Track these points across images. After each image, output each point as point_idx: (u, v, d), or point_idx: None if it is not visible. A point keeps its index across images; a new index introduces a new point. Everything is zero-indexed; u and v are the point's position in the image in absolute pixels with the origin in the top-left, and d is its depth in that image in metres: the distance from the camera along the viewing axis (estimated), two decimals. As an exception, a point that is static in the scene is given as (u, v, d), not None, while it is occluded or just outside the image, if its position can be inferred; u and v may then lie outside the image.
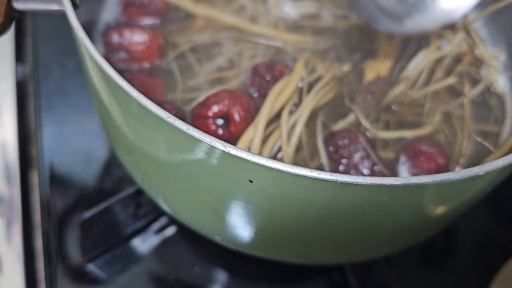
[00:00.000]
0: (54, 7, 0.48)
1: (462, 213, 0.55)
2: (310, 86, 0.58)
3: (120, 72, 0.55)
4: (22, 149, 0.72)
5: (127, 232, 0.62)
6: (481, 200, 0.52)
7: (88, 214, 0.58)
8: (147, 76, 0.56)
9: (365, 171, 0.52)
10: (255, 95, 0.56)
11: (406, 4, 0.59)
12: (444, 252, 0.66)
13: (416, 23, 0.59)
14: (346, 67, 0.60)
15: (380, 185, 0.36)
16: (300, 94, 0.57)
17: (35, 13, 0.63)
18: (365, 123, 0.56)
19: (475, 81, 0.63)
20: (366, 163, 0.52)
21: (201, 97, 0.55)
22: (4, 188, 0.68)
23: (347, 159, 0.52)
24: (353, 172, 0.52)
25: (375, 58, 0.63)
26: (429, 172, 0.53)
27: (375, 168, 0.52)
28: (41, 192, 0.66)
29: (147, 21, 0.61)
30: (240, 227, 0.47)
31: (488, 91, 0.63)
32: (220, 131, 0.53)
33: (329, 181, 0.36)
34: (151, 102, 0.38)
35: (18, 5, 0.48)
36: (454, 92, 0.62)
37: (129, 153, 0.51)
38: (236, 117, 0.52)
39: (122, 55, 0.57)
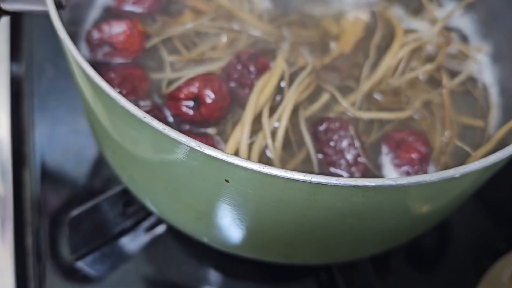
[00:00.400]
0: (40, 7, 0.48)
1: (447, 214, 0.55)
2: (291, 79, 0.58)
3: (107, 66, 0.57)
4: (15, 148, 0.73)
5: (116, 230, 0.63)
6: (470, 200, 0.52)
7: (75, 212, 0.59)
8: (133, 68, 0.56)
9: (349, 157, 0.52)
10: (233, 83, 0.57)
11: None
12: (434, 253, 0.66)
13: None
14: (326, 60, 0.61)
15: (354, 186, 0.37)
16: (281, 88, 0.57)
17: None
18: (343, 102, 0.57)
19: (456, 73, 0.63)
20: (352, 151, 0.53)
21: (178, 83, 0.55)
22: None
23: (335, 143, 0.53)
24: (337, 157, 0.52)
25: (340, 39, 0.64)
26: (412, 162, 0.53)
27: (359, 159, 0.52)
28: (32, 190, 0.67)
29: (135, 9, 0.62)
30: (223, 228, 0.48)
31: (472, 82, 0.63)
32: (191, 112, 0.53)
33: (303, 181, 0.36)
34: (128, 102, 0.38)
35: (5, 6, 0.49)
36: (435, 83, 0.62)
37: (114, 153, 0.52)
38: (207, 99, 0.53)
39: (106, 49, 0.57)
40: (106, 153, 0.57)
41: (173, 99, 0.54)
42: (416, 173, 0.53)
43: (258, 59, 0.57)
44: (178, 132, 0.37)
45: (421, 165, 0.53)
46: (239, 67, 0.57)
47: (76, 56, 0.40)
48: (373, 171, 0.53)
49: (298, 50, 0.61)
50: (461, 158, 0.57)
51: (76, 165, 0.70)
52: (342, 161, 0.52)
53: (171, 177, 0.45)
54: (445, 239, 0.67)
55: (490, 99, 0.62)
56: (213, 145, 0.52)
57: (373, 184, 0.37)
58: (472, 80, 0.64)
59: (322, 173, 0.52)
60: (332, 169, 0.52)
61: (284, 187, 0.38)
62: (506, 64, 0.64)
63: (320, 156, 0.53)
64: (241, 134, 0.51)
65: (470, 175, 0.40)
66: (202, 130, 0.55)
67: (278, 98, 0.57)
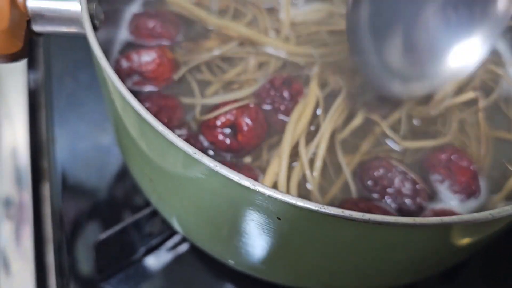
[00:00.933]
0: (74, 29, 0.47)
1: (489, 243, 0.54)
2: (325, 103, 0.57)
3: (140, 96, 0.56)
4: (34, 159, 0.71)
5: (141, 251, 0.61)
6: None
7: (103, 235, 0.58)
8: (167, 97, 0.55)
9: (408, 192, 0.51)
10: (268, 107, 0.55)
11: (416, 65, 0.57)
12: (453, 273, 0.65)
13: (424, 85, 0.58)
14: (359, 79, 0.59)
15: (413, 226, 0.36)
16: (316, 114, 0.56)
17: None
18: (389, 132, 0.55)
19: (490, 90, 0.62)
20: (407, 185, 0.51)
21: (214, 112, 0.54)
22: (14, 192, 0.67)
23: (391, 188, 0.51)
24: (399, 198, 0.51)
25: None
26: (468, 184, 0.52)
27: (417, 186, 0.51)
28: (53, 205, 0.66)
29: (159, 42, 0.61)
30: (256, 254, 0.47)
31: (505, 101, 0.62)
32: (228, 141, 0.52)
33: (361, 221, 0.35)
34: (177, 137, 0.37)
35: (37, 28, 0.47)
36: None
37: (146, 176, 0.50)
38: (244, 126, 0.52)
39: (136, 78, 0.56)
40: (136, 175, 0.55)
41: (209, 127, 0.53)
42: (473, 193, 0.52)
43: (291, 84, 0.56)
44: (230, 170, 0.36)
45: (475, 183, 0.53)
46: (272, 92, 0.55)
47: (121, 88, 0.39)
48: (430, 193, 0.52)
49: (330, 71, 0.59)
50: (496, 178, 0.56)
51: (98, 180, 0.69)
52: (406, 200, 0.51)
53: (208, 204, 0.44)
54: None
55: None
56: (255, 178, 0.51)
57: (432, 222, 0.36)
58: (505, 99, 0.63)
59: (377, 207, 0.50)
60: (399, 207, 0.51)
61: (340, 225, 0.37)
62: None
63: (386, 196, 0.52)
64: (279, 167, 0.50)
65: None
66: (240, 159, 0.54)
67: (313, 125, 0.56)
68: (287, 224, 0.39)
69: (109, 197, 0.68)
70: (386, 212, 0.49)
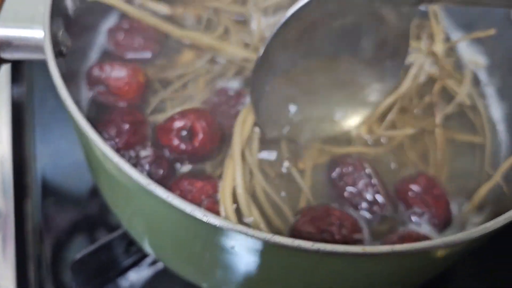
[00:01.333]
0: (40, 56, 0.48)
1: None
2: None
3: (105, 109, 0.57)
4: (17, 174, 0.72)
5: (119, 268, 0.62)
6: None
7: (78, 255, 0.58)
8: (127, 114, 0.55)
9: (369, 197, 0.52)
10: (220, 114, 0.57)
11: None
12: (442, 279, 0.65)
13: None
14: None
15: (362, 255, 0.36)
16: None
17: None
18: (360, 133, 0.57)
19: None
20: (370, 189, 0.52)
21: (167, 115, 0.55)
22: (1, 204, 0.68)
23: (351, 186, 0.52)
24: (357, 199, 0.52)
25: None
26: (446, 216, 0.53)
27: (378, 197, 0.52)
28: (33, 221, 0.66)
29: (136, 55, 0.61)
30: (224, 280, 0.47)
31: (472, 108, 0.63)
32: (183, 145, 0.53)
33: (308, 251, 0.35)
34: (131, 167, 0.38)
35: (5, 55, 0.48)
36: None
37: (117, 205, 0.51)
38: (199, 131, 0.53)
39: (101, 88, 0.57)
40: (104, 197, 0.56)
41: (164, 130, 0.53)
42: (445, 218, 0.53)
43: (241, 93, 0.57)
44: (187, 203, 0.37)
45: (447, 209, 0.53)
46: (222, 100, 0.57)
47: (83, 125, 0.40)
48: (390, 206, 0.53)
49: None
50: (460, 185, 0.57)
51: (79, 196, 0.69)
52: (363, 203, 0.52)
53: (174, 237, 0.45)
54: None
55: (496, 134, 0.62)
56: (215, 186, 0.51)
57: (382, 251, 0.36)
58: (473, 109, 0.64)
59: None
60: (355, 210, 0.52)
61: (290, 254, 0.37)
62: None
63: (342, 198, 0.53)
64: (233, 170, 0.51)
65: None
66: (198, 165, 0.54)
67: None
68: (241, 251, 0.39)
69: (89, 214, 0.69)
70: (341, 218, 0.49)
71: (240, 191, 0.50)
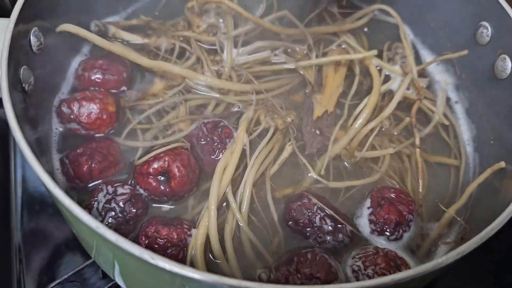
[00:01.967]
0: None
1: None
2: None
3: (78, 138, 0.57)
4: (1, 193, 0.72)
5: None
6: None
7: (52, 284, 0.59)
8: (100, 142, 0.57)
9: (328, 228, 0.52)
10: (200, 148, 0.57)
11: None
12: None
13: None
14: (290, 118, 0.61)
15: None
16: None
17: None
18: (314, 175, 0.57)
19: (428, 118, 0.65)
20: (328, 220, 0.52)
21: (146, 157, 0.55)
22: None
23: (310, 227, 0.52)
24: (321, 236, 0.52)
25: (323, 91, 0.64)
26: (388, 222, 0.53)
27: (338, 224, 0.52)
28: (14, 239, 0.67)
29: (107, 87, 0.62)
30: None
31: (444, 127, 0.64)
32: (161, 187, 0.54)
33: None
34: (86, 215, 0.38)
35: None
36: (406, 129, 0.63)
37: (79, 234, 0.52)
38: (176, 173, 0.53)
39: (74, 125, 0.57)
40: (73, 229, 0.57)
41: (142, 174, 0.54)
42: (390, 235, 0.53)
43: (222, 129, 0.58)
44: (130, 243, 0.37)
45: (397, 229, 0.53)
46: (203, 136, 0.57)
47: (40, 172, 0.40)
48: (356, 232, 0.53)
49: (264, 110, 0.61)
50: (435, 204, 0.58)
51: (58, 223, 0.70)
52: (327, 237, 0.52)
53: (134, 276, 0.45)
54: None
55: (465, 154, 0.63)
56: (180, 235, 0.51)
57: None
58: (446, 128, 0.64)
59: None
60: (322, 246, 0.52)
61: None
62: (481, 121, 0.63)
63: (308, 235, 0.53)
64: (209, 219, 0.51)
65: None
66: (177, 203, 0.55)
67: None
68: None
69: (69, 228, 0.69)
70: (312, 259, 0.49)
71: (214, 242, 0.51)
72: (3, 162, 0.73)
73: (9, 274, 0.66)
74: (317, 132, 0.61)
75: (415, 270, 0.39)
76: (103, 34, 0.65)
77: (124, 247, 0.38)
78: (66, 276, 0.60)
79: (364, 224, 0.55)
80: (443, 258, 0.40)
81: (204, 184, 0.57)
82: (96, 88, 0.61)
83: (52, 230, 0.69)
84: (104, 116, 0.57)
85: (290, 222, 0.53)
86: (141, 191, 0.55)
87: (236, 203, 0.54)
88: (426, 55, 0.70)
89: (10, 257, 0.66)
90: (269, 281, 0.49)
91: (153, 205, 0.55)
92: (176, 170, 0.54)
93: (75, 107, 0.56)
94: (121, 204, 0.52)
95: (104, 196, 0.52)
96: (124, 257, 0.43)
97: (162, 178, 0.54)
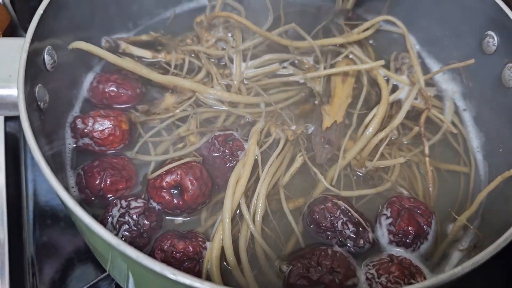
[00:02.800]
0: (17, 113, 0.49)
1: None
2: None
3: (92, 154, 0.58)
4: (12, 205, 0.73)
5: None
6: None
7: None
8: (113, 159, 0.57)
9: (350, 234, 0.53)
10: (212, 161, 0.58)
11: None
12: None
13: None
14: (299, 130, 0.62)
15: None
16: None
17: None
18: (326, 184, 0.58)
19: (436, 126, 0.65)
20: (350, 226, 0.53)
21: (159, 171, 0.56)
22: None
23: (332, 231, 0.53)
24: (342, 241, 0.53)
25: (331, 102, 0.65)
26: (407, 234, 0.54)
27: (360, 228, 0.53)
28: (28, 252, 0.67)
29: (119, 104, 0.63)
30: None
31: (454, 135, 0.65)
32: (175, 200, 0.54)
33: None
34: (100, 227, 0.39)
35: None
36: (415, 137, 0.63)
37: (95, 249, 0.52)
38: (189, 186, 0.54)
39: (86, 141, 0.58)
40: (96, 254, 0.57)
41: (155, 188, 0.55)
42: (408, 247, 0.54)
43: (233, 142, 0.58)
44: (151, 260, 0.38)
45: (415, 241, 0.54)
46: (215, 149, 0.58)
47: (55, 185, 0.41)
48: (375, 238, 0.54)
49: (273, 122, 0.62)
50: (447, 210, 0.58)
51: (72, 222, 0.70)
52: (348, 241, 0.53)
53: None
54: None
55: (475, 162, 0.63)
56: (196, 249, 0.52)
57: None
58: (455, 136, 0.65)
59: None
60: (342, 248, 0.53)
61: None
62: (489, 129, 0.64)
63: (329, 239, 0.54)
64: (223, 232, 0.52)
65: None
66: (191, 215, 0.56)
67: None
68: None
69: (83, 246, 0.69)
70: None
71: (229, 254, 0.51)
72: (14, 176, 0.73)
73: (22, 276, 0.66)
74: (327, 142, 0.61)
75: (431, 281, 0.39)
76: (113, 50, 0.66)
77: (145, 263, 0.38)
78: (81, 291, 0.61)
79: (382, 234, 0.55)
80: (458, 268, 0.40)
81: (216, 197, 0.57)
82: (109, 103, 0.62)
83: (65, 243, 0.69)
84: (118, 133, 0.58)
85: (312, 226, 0.54)
86: (154, 204, 0.55)
87: (249, 215, 0.54)
88: (432, 65, 0.71)
89: (23, 270, 0.67)
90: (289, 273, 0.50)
91: (167, 217, 0.56)
92: (189, 183, 0.55)
93: (89, 122, 0.57)
94: (134, 217, 0.53)
95: (118, 210, 0.53)
96: (142, 272, 0.43)
97: (175, 191, 0.55)
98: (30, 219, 0.69)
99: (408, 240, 0.53)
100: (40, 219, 0.69)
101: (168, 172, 0.55)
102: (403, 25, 0.71)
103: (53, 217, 0.69)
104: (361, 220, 0.53)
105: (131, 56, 0.67)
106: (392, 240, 0.54)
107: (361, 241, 0.53)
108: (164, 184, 0.55)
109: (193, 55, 0.68)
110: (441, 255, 0.55)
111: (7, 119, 0.79)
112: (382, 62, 0.66)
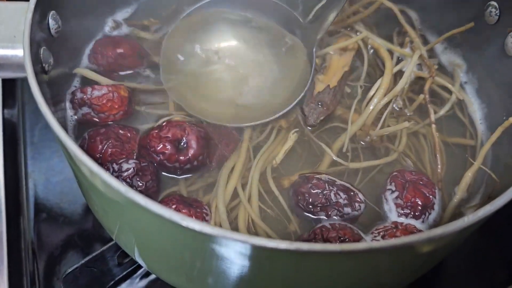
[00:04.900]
0: (23, 74, 0.48)
1: (446, 255, 0.55)
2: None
3: (95, 126, 0.58)
4: (11, 192, 0.73)
5: (112, 281, 0.62)
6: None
7: (69, 269, 0.59)
8: (120, 129, 0.57)
9: (344, 201, 0.53)
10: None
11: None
12: (433, 282, 0.66)
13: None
14: (292, 117, 0.62)
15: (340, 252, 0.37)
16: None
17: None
18: (334, 156, 0.58)
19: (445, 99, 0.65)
20: (341, 193, 0.53)
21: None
22: None
23: (329, 205, 0.53)
24: (340, 211, 0.52)
25: (325, 72, 0.65)
26: (415, 206, 0.53)
27: (351, 194, 0.53)
28: (25, 238, 0.67)
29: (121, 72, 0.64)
30: (213, 286, 0.48)
31: (459, 107, 0.65)
32: (177, 155, 0.54)
33: (288, 250, 0.36)
34: (111, 178, 0.38)
35: (-12, 73, 0.49)
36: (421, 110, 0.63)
37: (104, 213, 0.52)
38: (194, 143, 0.54)
39: (85, 110, 0.58)
40: (94, 211, 0.57)
41: (159, 138, 0.54)
42: (417, 218, 0.53)
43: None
44: (175, 212, 0.37)
45: (423, 212, 0.53)
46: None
47: (60, 134, 0.41)
48: (371, 204, 0.54)
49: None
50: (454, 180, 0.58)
51: (71, 212, 0.70)
52: (346, 209, 0.53)
53: (159, 244, 0.45)
54: (443, 267, 0.67)
55: (479, 133, 0.64)
56: (203, 218, 0.52)
57: (360, 248, 0.37)
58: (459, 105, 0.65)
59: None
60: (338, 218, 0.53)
61: (272, 256, 0.38)
62: (492, 100, 0.64)
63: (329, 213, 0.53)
64: (220, 214, 0.52)
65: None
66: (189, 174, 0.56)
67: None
68: (224, 256, 0.40)
69: (82, 229, 0.69)
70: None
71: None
72: (13, 165, 0.73)
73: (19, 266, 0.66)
74: (319, 104, 0.61)
75: (444, 228, 0.39)
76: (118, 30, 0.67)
77: (153, 209, 0.37)
78: (83, 261, 0.60)
79: (390, 209, 0.54)
80: (469, 216, 0.40)
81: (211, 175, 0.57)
82: (112, 69, 0.63)
83: (65, 220, 0.69)
84: (116, 99, 0.58)
85: (310, 206, 0.53)
86: (154, 156, 0.55)
87: (245, 198, 0.54)
88: (433, 39, 0.71)
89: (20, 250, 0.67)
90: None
91: (163, 173, 0.56)
92: (194, 140, 0.54)
93: (88, 91, 0.57)
94: (128, 180, 0.52)
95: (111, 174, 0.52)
96: (150, 224, 0.43)
97: (179, 145, 0.55)
98: (31, 197, 0.69)
99: (416, 212, 0.53)
100: (38, 209, 0.69)
101: (176, 123, 0.55)
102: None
103: (55, 195, 0.70)
104: (346, 184, 0.54)
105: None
106: (401, 214, 0.53)
107: (356, 204, 0.53)
108: (170, 135, 0.54)
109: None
110: (449, 219, 0.55)
111: (4, 105, 0.79)
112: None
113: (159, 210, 0.37)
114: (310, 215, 0.53)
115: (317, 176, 0.54)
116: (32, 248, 0.66)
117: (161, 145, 0.54)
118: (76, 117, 0.59)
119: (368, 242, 0.38)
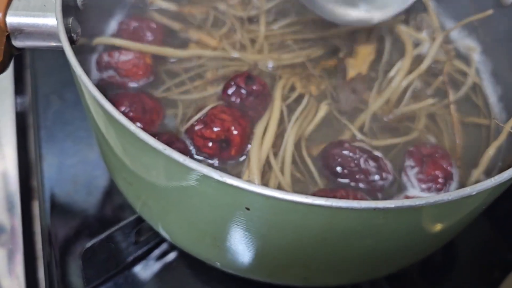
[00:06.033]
0: (52, 43, 0.49)
1: (461, 230, 0.56)
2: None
3: (122, 91, 0.58)
4: (23, 180, 0.73)
5: (128, 259, 0.63)
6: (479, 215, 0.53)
7: (89, 243, 0.59)
8: (147, 98, 0.58)
9: (373, 169, 0.53)
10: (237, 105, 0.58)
11: None
12: (447, 268, 0.66)
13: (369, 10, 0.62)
14: (323, 85, 0.63)
15: (374, 209, 0.37)
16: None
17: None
18: (356, 133, 0.58)
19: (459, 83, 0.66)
20: (371, 161, 0.54)
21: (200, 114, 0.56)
22: (5, 219, 0.68)
23: (358, 171, 0.53)
24: (368, 178, 0.53)
25: (355, 56, 0.66)
26: (436, 179, 0.54)
27: (381, 163, 0.54)
28: (42, 223, 0.67)
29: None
30: (239, 253, 0.48)
31: (473, 90, 0.66)
32: (220, 154, 0.54)
33: (324, 206, 0.37)
34: (148, 135, 0.39)
35: (17, 43, 0.50)
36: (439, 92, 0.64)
37: (129, 184, 0.52)
38: (238, 138, 0.54)
39: (110, 73, 0.60)
40: (119, 183, 0.57)
41: (203, 137, 0.54)
42: (439, 191, 0.54)
43: (255, 80, 0.59)
44: (198, 163, 0.37)
45: (445, 183, 0.54)
46: (235, 90, 0.58)
47: (94, 92, 0.41)
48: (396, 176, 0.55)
49: (297, 76, 0.63)
50: (471, 159, 0.59)
51: (86, 196, 0.70)
52: (374, 176, 0.53)
53: (189, 206, 0.45)
54: (455, 254, 0.68)
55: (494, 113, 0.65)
56: None
57: (393, 206, 0.37)
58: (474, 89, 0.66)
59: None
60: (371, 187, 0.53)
61: (305, 213, 0.38)
62: (507, 81, 0.66)
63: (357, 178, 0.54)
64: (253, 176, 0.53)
65: (485, 192, 0.41)
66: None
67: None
68: (257, 215, 0.40)
69: (97, 212, 0.69)
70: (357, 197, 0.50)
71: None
72: (25, 153, 0.73)
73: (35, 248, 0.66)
74: (352, 91, 0.62)
75: (472, 187, 0.40)
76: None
77: (192, 166, 0.38)
78: (103, 236, 0.60)
79: (412, 185, 0.55)
80: (495, 177, 0.41)
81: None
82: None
83: (79, 202, 0.70)
84: (141, 65, 0.60)
85: (338, 168, 0.54)
86: (196, 150, 0.55)
87: (277, 166, 0.55)
88: (448, 23, 0.72)
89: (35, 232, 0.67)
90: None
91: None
92: (238, 139, 0.54)
93: (115, 54, 0.59)
94: None
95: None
96: (179, 186, 0.43)
97: (224, 144, 0.54)
98: (45, 205, 0.69)
99: (438, 185, 0.54)
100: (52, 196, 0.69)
101: (219, 123, 0.54)
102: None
103: (66, 195, 0.70)
104: (377, 154, 0.55)
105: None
106: (424, 188, 0.54)
107: (384, 174, 0.54)
108: (214, 136, 0.54)
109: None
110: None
111: (17, 91, 0.79)
112: (402, 17, 0.68)
113: (197, 167, 0.38)
114: (338, 178, 0.54)
115: (350, 142, 0.55)
116: (48, 229, 0.66)
117: (205, 146, 0.54)
118: (99, 79, 0.60)
119: (401, 200, 0.39)
